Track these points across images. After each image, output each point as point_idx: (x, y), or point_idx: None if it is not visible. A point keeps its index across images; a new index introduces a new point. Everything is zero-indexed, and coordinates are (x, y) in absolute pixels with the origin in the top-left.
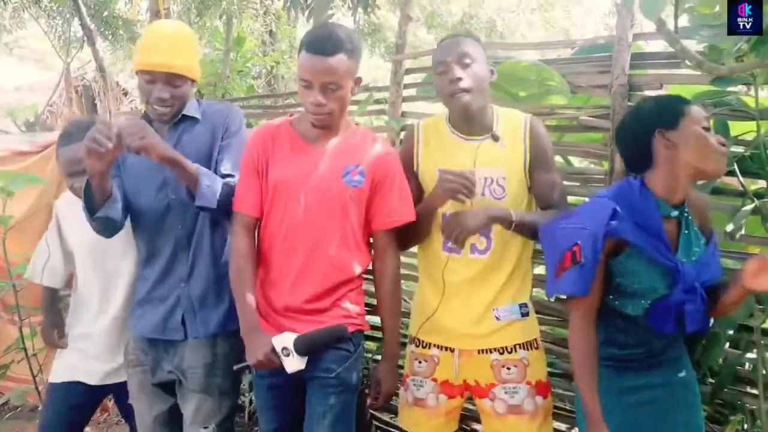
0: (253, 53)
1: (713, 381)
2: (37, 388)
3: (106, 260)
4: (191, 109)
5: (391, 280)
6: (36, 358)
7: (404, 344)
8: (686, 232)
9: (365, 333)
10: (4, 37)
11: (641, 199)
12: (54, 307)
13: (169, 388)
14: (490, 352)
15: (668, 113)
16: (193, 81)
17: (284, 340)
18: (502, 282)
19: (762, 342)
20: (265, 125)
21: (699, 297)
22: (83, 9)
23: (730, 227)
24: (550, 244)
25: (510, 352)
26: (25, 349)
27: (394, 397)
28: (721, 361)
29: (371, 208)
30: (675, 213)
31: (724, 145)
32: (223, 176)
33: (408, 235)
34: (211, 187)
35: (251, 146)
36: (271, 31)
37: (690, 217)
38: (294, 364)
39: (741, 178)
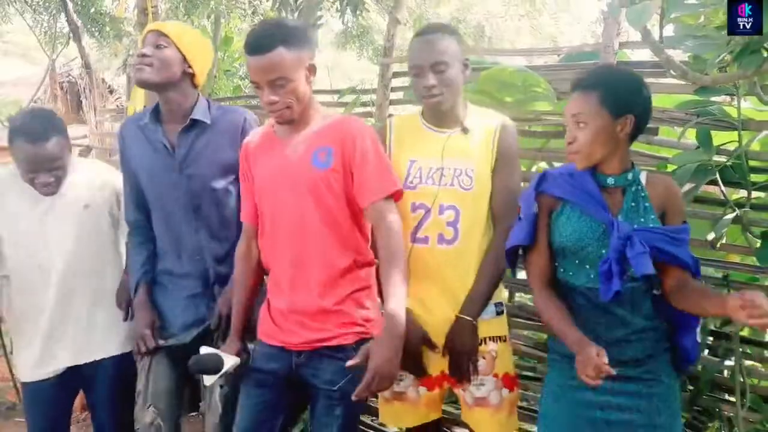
0: (241, 53)
1: (692, 388)
2: (15, 386)
3: (39, 252)
4: (199, 112)
5: (391, 254)
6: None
7: None
8: (633, 204)
9: None
10: None
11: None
12: None
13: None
14: None
15: None
16: (185, 59)
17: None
18: (473, 277)
19: (740, 349)
20: (251, 133)
21: (638, 243)
22: (70, 5)
23: (711, 236)
24: None
25: (480, 344)
26: (3, 347)
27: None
28: (699, 368)
29: (353, 186)
30: (611, 180)
31: (569, 144)
32: None
33: None
34: None
35: (241, 158)
36: None
37: (641, 193)
38: (205, 379)
39: (723, 188)
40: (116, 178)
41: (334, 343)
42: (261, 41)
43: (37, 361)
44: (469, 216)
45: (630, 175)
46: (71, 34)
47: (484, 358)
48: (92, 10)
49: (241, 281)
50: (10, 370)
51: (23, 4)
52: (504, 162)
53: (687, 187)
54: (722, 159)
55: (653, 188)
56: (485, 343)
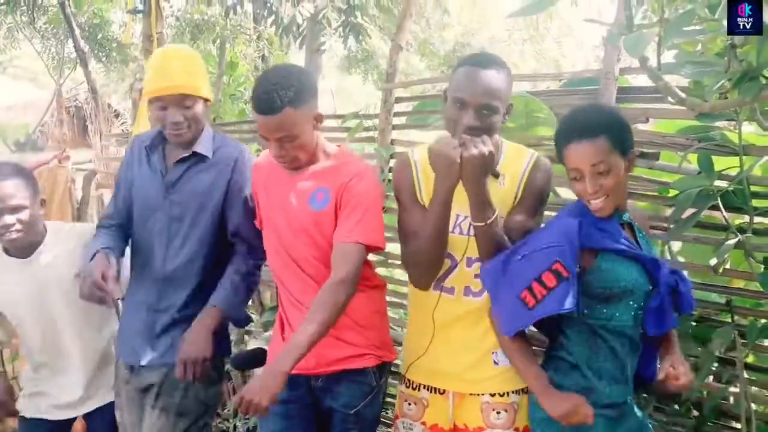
0: (246, 78)
1: (696, 414)
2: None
3: (44, 311)
4: (203, 144)
5: (319, 297)
6: (16, 381)
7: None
8: (641, 234)
9: None
10: None
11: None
12: None
13: None
14: (482, 393)
15: (556, 143)
16: (206, 101)
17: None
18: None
19: (745, 376)
20: (258, 159)
21: (686, 278)
22: (77, 31)
23: (713, 261)
24: (501, 280)
25: (502, 395)
26: (5, 373)
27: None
28: (705, 394)
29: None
30: (626, 216)
31: (593, 195)
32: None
33: (423, 254)
34: (239, 303)
35: (251, 173)
36: (263, 56)
37: (636, 225)
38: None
39: (724, 213)
40: None
41: (354, 365)
42: (268, 103)
43: (25, 403)
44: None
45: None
46: (78, 60)
47: (506, 411)
48: (99, 35)
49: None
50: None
51: (32, 31)
52: (529, 198)
53: (689, 212)
54: (724, 184)
55: (638, 220)
56: (507, 395)
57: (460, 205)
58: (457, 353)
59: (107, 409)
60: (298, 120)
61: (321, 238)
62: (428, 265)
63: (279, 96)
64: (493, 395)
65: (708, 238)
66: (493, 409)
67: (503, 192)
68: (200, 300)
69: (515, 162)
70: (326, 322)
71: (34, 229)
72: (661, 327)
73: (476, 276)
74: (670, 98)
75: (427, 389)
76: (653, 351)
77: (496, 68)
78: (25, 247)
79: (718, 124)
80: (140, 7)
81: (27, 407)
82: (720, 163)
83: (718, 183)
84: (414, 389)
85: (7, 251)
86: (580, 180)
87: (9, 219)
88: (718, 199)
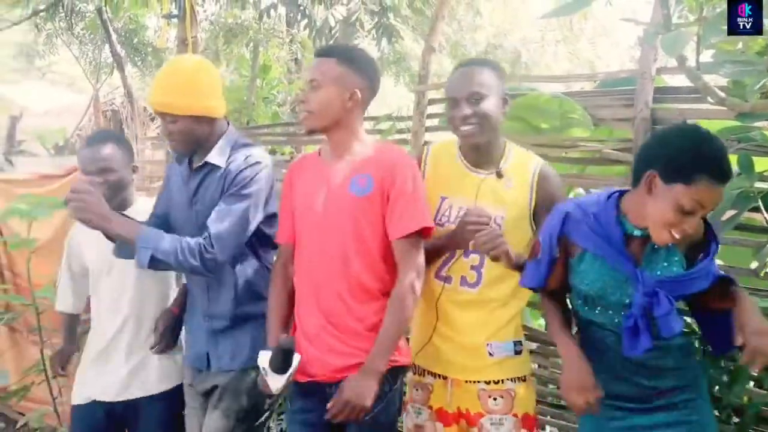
0: (279, 81)
1: (737, 421)
2: (56, 410)
3: (113, 273)
4: (215, 155)
5: (396, 296)
6: (56, 380)
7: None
8: (655, 247)
9: None
10: (37, 62)
11: (603, 211)
12: (69, 334)
13: None
14: (477, 381)
15: (675, 165)
16: (200, 117)
17: (263, 359)
18: (494, 317)
19: None
20: (299, 157)
21: (665, 299)
22: (113, 36)
23: (754, 264)
24: None
25: (497, 383)
26: (45, 371)
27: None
28: (745, 400)
29: (385, 217)
30: (638, 232)
31: (683, 232)
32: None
33: None
34: (146, 248)
35: (285, 179)
36: (296, 59)
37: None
38: (273, 382)
39: (766, 215)
40: None
41: None
42: (327, 47)
43: (79, 385)
44: (494, 262)
45: None
46: (115, 64)
47: (502, 397)
48: (135, 40)
49: (276, 301)
50: (51, 395)
51: (70, 36)
52: (547, 207)
53: (729, 214)
54: (765, 186)
55: None
56: (502, 382)
57: (465, 197)
58: (456, 341)
59: (158, 406)
60: (332, 74)
61: (365, 224)
62: None
63: (334, 47)
64: (488, 383)
65: (748, 240)
66: (490, 396)
67: (512, 194)
68: (247, 298)
69: (519, 165)
70: (402, 323)
71: (121, 192)
72: (633, 348)
73: (473, 268)
74: (709, 98)
75: (431, 375)
76: (720, 321)
77: (478, 64)
78: (113, 208)
79: (758, 124)
80: (175, 11)
81: (77, 393)
82: (760, 164)
83: (758, 184)
84: (420, 375)
85: None
86: (689, 214)
87: (98, 179)
88: (759, 200)
